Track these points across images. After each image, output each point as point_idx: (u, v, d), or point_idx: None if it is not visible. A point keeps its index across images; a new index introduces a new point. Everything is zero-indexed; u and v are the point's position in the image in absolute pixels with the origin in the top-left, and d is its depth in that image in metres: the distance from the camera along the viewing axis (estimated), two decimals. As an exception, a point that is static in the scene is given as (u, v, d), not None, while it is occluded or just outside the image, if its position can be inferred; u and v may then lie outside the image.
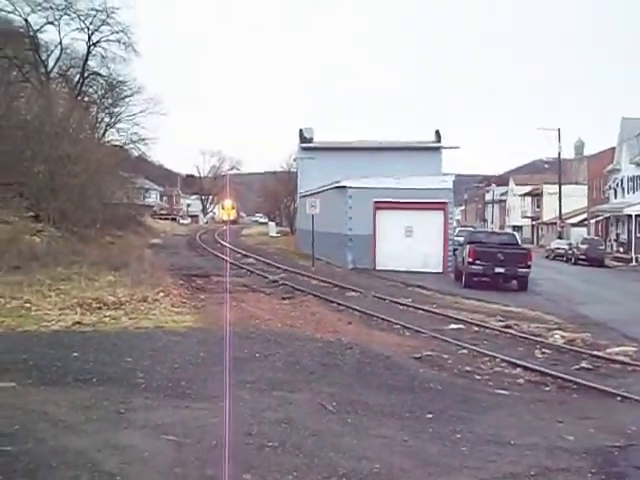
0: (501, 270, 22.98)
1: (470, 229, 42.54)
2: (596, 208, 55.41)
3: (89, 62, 44.78)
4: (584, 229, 57.71)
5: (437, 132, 43.93)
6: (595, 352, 11.51)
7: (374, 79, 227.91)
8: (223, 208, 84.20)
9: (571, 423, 7.23)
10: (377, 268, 28.34)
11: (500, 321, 14.91)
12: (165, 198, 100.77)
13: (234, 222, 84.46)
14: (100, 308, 13.24)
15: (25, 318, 12.00)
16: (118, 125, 48.01)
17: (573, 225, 60.49)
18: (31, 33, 41.33)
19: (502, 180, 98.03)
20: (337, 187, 31.34)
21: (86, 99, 45.28)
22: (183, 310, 14.11)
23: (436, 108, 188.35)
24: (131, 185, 46.71)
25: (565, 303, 19.96)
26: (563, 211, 57.65)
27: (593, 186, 61.39)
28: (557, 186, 56.92)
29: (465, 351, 11.27)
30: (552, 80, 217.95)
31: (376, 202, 29.17)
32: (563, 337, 12.92)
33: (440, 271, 28.15)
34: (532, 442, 6.43)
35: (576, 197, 62.48)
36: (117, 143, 47.12)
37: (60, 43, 43.22)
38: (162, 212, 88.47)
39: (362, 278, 24.44)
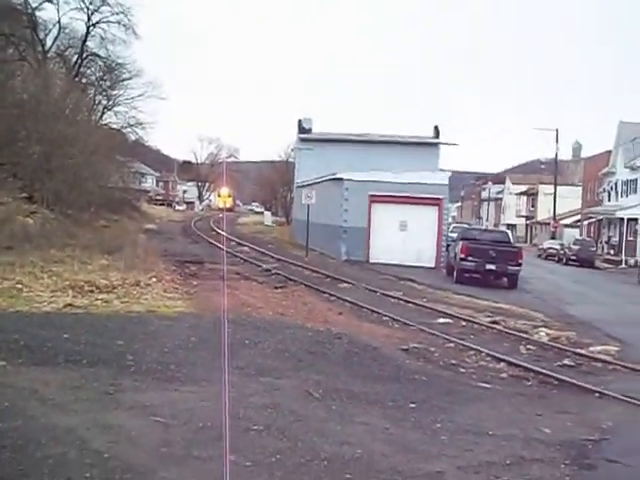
0: (492, 267, 23.18)
1: (465, 226, 42.72)
2: (589, 210, 55.68)
3: (88, 43, 44.51)
4: (577, 230, 57.98)
5: (436, 128, 44.06)
6: (578, 350, 11.73)
7: (375, 74, 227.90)
8: (219, 196, 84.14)
9: (549, 417, 7.42)
10: (370, 261, 28.51)
11: (488, 317, 15.11)
12: (161, 184, 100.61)
13: (230, 210, 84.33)
14: (92, 291, 13.29)
15: (17, 299, 12.02)
16: (116, 108, 47.81)
17: (566, 226, 60.75)
18: (29, 10, 40.91)
19: (499, 178, 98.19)
20: (333, 179, 31.46)
21: (84, 80, 44.97)
22: (175, 295, 14.20)
23: (436, 105, 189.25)
24: (127, 169, 46.64)
25: (553, 302, 20.17)
26: (558, 212, 57.91)
27: (588, 188, 61.64)
28: (553, 186, 57.17)
29: (452, 345, 11.45)
30: (553, 81, 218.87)
31: (372, 195, 29.29)
32: (548, 334, 13.14)
33: (433, 266, 28.33)
34: (510, 433, 6.61)
35: (571, 198, 62.75)
36: (114, 126, 46.91)
37: (59, 22, 42.96)
38: (158, 198, 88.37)
39: (355, 270, 24.60)
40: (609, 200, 52.62)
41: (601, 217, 51.99)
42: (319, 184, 33.37)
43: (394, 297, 17.42)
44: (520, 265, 23.57)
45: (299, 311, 13.70)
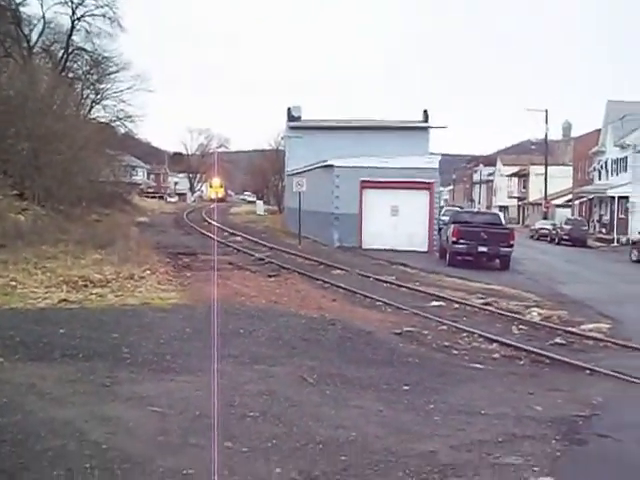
0: (484, 249, 23.30)
1: (457, 209, 42.85)
2: (580, 189, 55.86)
3: (73, 37, 44.26)
4: (569, 210, 58.18)
5: (425, 112, 43.99)
6: (570, 328, 11.87)
7: (364, 59, 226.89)
8: (211, 186, 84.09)
9: (540, 395, 7.54)
10: (363, 247, 28.58)
11: (480, 298, 15.23)
12: (152, 176, 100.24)
13: (222, 200, 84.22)
14: (86, 286, 13.33)
15: (11, 296, 12.04)
16: (104, 102, 47.58)
17: (558, 206, 60.91)
18: (13, 6, 40.56)
19: (490, 160, 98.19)
20: (324, 166, 31.47)
21: (70, 75, 44.71)
22: (169, 287, 14.25)
23: (426, 90, 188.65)
24: (117, 163, 46.45)
25: (545, 282, 20.32)
26: (549, 192, 58.05)
27: (578, 167, 61.79)
28: (544, 167, 57.29)
29: (445, 327, 11.57)
30: (542, 61, 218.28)
31: (362, 181, 29.32)
32: (540, 314, 13.26)
33: (425, 250, 28.43)
34: (502, 412, 6.73)
35: (562, 178, 62.88)
36: (103, 120, 46.70)
37: (43, 17, 42.66)
38: (149, 190, 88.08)
39: (348, 256, 24.69)
40: (600, 179, 52.79)
41: (592, 196, 52.18)
42: (310, 172, 33.37)
43: (387, 282, 17.53)
44: (512, 246, 23.70)
45: (293, 299, 13.78)
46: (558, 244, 41.69)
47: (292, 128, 44.10)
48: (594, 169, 54.72)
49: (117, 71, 46.48)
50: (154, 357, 8.08)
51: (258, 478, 4.83)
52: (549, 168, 57.47)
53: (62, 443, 5.23)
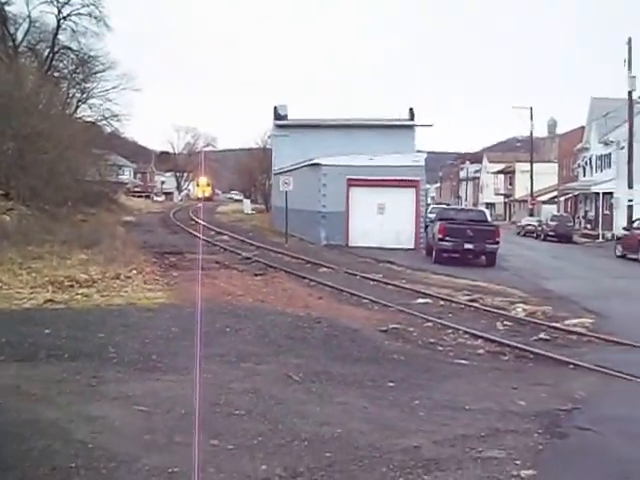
0: (470, 246, 23.42)
1: (443, 206, 43.04)
2: (565, 186, 56.25)
3: (59, 36, 44.08)
4: (554, 206, 58.57)
5: (411, 110, 44.07)
6: (554, 324, 11.96)
7: (350, 58, 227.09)
8: (198, 185, 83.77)
9: (524, 389, 7.62)
10: (350, 245, 28.66)
11: (466, 295, 15.31)
12: (139, 175, 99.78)
13: (209, 199, 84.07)
14: (72, 286, 13.29)
15: (-4, 297, 12.06)
16: (90, 101, 47.43)
17: (544, 202, 61.34)
18: (-2, 5, 40.53)
19: (476, 158, 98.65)
20: (310, 164, 31.52)
21: (56, 74, 44.53)
22: (156, 287, 14.24)
23: (413, 89, 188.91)
24: (104, 162, 46.28)
25: (531, 278, 20.46)
26: (535, 189, 58.48)
27: (563, 164, 62.20)
28: (529, 164, 57.67)
29: (430, 324, 11.62)
30: (527, 59, 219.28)
31: (349, 179, 29.41)
32: (525, 310, 13.36)
33: (412, 247, 28.54)
34: (486, 407, 6.80)
35: (547, 175, 63.30)
36: (89, 119, 46.55)
37: (29, 16, 42.48)
38: (136, 189, 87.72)
39: (334, 254, 24.75)
40: (584, 175, 53.17)
41: (577, 192, 52.56)
42: (296, 170, 33.41)
43: (374, 279, 17.59)
44: (498, 243, 23.85)
45: (279, 297, 13.81)
46: (544, 240, 42.01)
47: (279, 127, 44.06)
48: (579, 166, 55.11)
49: (103, 70, 46.40)
50: (140, 357, 8.09)
51: (244, 475, 4.86)
52: (535, 165, 57.91)
53: (48, 443, 5.23)
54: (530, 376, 8.40)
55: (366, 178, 29.10)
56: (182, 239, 28.81)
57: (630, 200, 36.10)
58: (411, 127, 42.24)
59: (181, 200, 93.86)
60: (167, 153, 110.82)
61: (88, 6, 42.32)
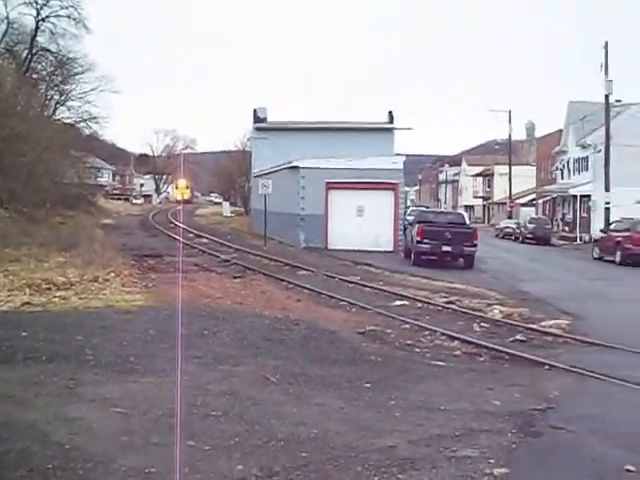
0: (448, 249, 23.61)
1: (423, 209, 43.30)
2: (543, 189, 56.84)
3: (38, 38, 43.62)
4: (532, 209, 59.14)
5: (390, 113, 44.32)
6: (530, 325, 12.12)
7: (329, 62, 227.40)
8: (177, 188, 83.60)
9: (499, 390, 7.73)
10: (329, 247, 28.76)
11: (444, 297, 15.45)
12: (118, 178, 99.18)
13: (188, 202, 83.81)
14: (50, 289, 13.24)
15: (-27, 299, 11.96)
16: (69, 103, 46.94)
17: (522, 205, 61.91)
18: (-25, 7, 40.13)
19: (456, 160, 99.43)
20: (289, 167, 31.57)
21: (35, 76, 44.08)
22: (134, 290, 14.21)
23: (392, 93, 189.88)
24: (82, 164, 45.92)
25: (508, 280, 20.67)
26: (513, 191, 58.99)
27: (541, 167, 62.89)
28: (508, 167, 58.17)
29: (407, 326, 11.73)
30: (506, 63, 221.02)
31: (328, 182, 29.51)
32: (502, 312, 13.52)
33: (391, 250, 28.71)
34: (461, 407, 6.89)
35: (526, 178, 64.01)
36: (68, 121, 46.08)
37: (7, 17, 41.98)
38: (115, 192, 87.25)
39: (313, 257, 24.81)
40: (562, 178, 53.76)
41: (555, 195, 53.13)
42: (276, 173, 33.44)
43: (352, 282, 17.68)
44: (475, 246, 24.06)
45: (257, 300, 13.85)
46: (522, 243, 42.45)
47: (258, 129, 44.10)
48: (557, 168, 55.72)
49: (82, 72, 45.96)
50: (118, 359, 8.08)
51: (220, 475, 4.90)
52: (513, 168, 58.44)
53: (25, 445, 5.22)
54: (505, 377, 8.51)
55: (345, 181, 29.22)
56: (161, 242, 28.72)
57: (607, 203, 36.57)
58: (390, 130, 42.48)
59: (160, 203, 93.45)
60: (146, 155, 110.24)
61: (67, 8, 42.04)
